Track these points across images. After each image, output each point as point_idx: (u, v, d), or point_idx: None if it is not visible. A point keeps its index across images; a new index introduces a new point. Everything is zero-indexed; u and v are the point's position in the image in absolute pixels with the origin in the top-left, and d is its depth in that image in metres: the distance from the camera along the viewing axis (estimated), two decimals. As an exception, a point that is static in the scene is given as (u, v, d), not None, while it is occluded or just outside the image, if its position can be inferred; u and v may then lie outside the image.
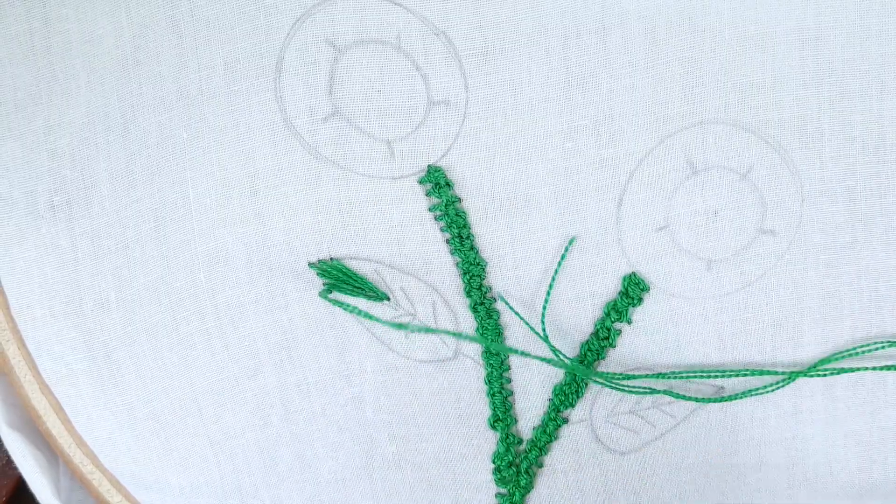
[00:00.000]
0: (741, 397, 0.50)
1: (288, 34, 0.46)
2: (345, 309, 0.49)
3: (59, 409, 0.51)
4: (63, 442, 0.51)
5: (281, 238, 0.49)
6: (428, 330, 0.44)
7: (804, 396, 0.52)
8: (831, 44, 0.46)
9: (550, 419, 0.52)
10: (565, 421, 0.52)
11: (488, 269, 0.50)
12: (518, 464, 0.52)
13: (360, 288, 0.50)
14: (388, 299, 0.50)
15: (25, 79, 0.46)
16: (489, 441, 0.52)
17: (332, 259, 0.50)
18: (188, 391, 0.51)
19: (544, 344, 0.50)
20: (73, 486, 0.53)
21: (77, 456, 0.52)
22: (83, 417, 0.50)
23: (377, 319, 0.47)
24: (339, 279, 0.50)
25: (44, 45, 0.45)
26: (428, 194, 0.49)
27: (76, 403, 0.50)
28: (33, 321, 0.49)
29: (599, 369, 0.51)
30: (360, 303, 0.50)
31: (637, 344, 0.51)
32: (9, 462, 0.56)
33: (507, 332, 0.51)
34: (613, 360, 0.51)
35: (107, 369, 0.50)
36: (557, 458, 0.52)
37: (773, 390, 0.50)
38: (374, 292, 0.50)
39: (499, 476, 0.52)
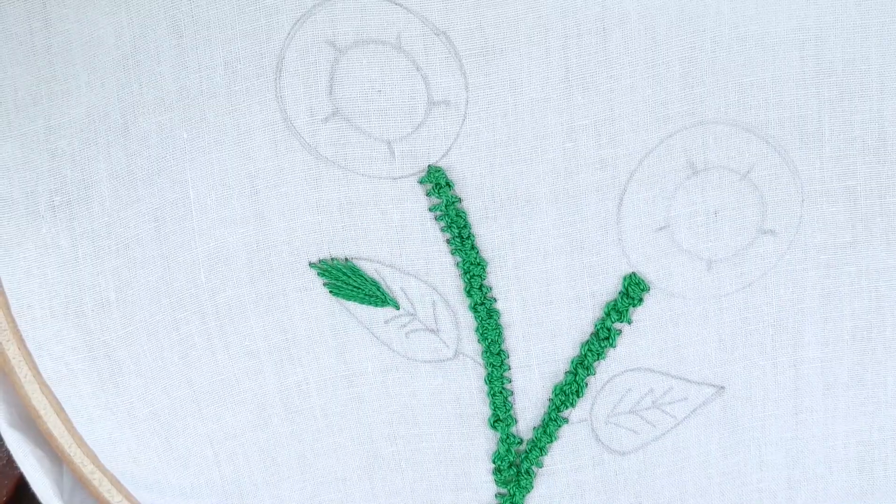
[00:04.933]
0: None
1: (288, 34, 0.46)
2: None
3: (59, 409, 0.51)
4: (63, 442, 0.51)
5: (281, 238, 0.49)
6: None
7: (804, 396, 0.52)
8: (832, 43, 0.46)
9: (551, 419, 0.52)
10: (566, 421, 0.52)
11: (489, 268, 0.50)
12: (518, 464, 0.52)
13: (359, 288, 0.50)
14: (392, 302, 0.50)
15: (26, 79, 0.46)
16: (489, 441, 0.52)
17: (333, 259, 0.50)
18: (188, 391, 0.51)
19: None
20: (76, 486, 0.54)
21: (77, 456, 0.52)
22: (83, 417, 0.51)
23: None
24: (340, 279, 0.50)
25: (44, 45, 0.45)
26: (428, 194, 0.49)
27: (76, 403, 0.50)
28: (33, 321, 0.49)
29: (599, 369, 0.51)
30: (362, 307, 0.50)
31: (637, 344, 0.51)
32: (9, 461, 0.56)
33: (507, 332, 0.51)
34: (613, 361, 0.51)
35: (107, 369, 0.50)
36: (558, 458, 0.52)
37: None
38: (374, 291, 0.50)
39: (499, 476, 0.53)
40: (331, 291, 0.50)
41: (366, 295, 0.50)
